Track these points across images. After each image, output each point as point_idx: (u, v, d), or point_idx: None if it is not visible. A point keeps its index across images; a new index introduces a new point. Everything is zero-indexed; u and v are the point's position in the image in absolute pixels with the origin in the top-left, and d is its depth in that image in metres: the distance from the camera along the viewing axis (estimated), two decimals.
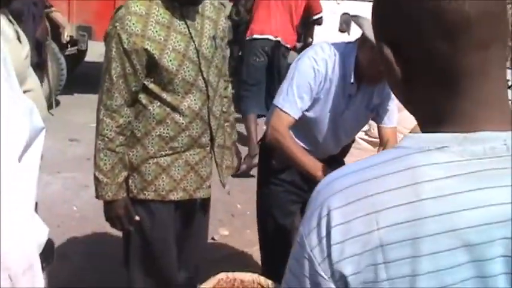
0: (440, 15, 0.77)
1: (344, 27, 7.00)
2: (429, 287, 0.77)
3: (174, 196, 2.47)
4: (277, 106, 2.57)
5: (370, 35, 2.37)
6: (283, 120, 2.56)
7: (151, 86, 2.32)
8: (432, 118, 0.83)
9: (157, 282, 2.59)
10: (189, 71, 2.32)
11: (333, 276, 0.80)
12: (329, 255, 0.80)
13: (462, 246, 0.76)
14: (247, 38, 6.40)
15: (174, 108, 2.35)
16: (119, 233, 3.91)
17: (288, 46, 6.60)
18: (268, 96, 6.93)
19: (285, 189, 2.87)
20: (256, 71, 6.47)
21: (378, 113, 2.74)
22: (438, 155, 0.79)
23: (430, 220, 0.77)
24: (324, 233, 0.81)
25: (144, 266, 2.57)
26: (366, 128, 4.42)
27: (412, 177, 0.79)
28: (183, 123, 2.38)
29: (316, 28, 7.01)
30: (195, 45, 2.33)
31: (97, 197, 2.41)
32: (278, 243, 2.95)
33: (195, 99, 2.37)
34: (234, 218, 4.59)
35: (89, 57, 8.27)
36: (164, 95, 2.33)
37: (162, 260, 2.56)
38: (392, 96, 2.72)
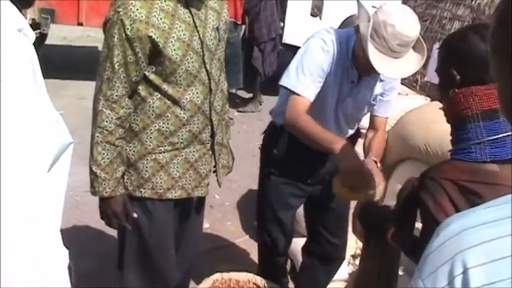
0: None
1: (316, 12, 6.91)
2: None
3: (171, 194, 2.34)
4: (290, 90, 2.50)
5: (362, 27, 2.32)
6: (300, 103, 2.48)
7: (152, 76, 2.18)
8: None
9: (154, 284, 2.46)
10: (192, 62, 2.19)
11: None
12: None
13: None
14: None
15: (175, 102, 2.22)
16: (95, 227, 3.78)
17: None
18: None
19: (286, 181, 2.77)
20: None
21: (377, 102, 2.69)
22: None
23: None
24: None
25: (140, 268, 2.43)
26: None
27: None
28: (184, 118, 2.24)
29: (288, 12, 6.90)
30: (199, 35, 2.20)
31: (93, 193, 2.25)
32: (276, 238, 2.86)
33: (197, 93, 2.24)
34: (213, 209, 4.47)
35: (49, 41, 7.95)
36: (165, 86, 2.19)
37: (160, 261, 2.43)
38: (394, 88, 2.66)
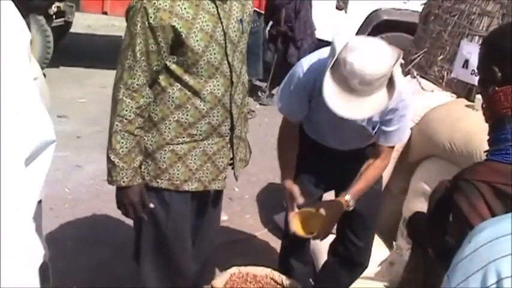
0: None
1: (341, 5, 6.82)
2: None
3: (188, 187, 2.32)
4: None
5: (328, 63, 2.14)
6: (285, 120, 2.65)
7: (173, 67, 2.16)
8: None
9: (170, 276, 2.45)
10: (215, 53, 2.16)
11: None
12: None
13: None
14: None
15: (196, 93, 2.19)
16: (114, 217, 3.78)
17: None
18: None
19: (306, 168, 2.72)
20: None
21: (377, 131, 2.54)
22: None
23: None
24: None
25: (156, 259, 2.42)
26: None
27: None
28: (203, 109, 2.22)
29: (314, 6, 6.83)
30: (223, 27, 2.17)
31: (110, 182, 2.24)
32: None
33: (218, 85, 2.21)
34: (232, 201, 4.45)
35: (74, 29, 8.00)
36: (186, 77, 2.17)
37: (176, 254, 2.41)
38: (393, 121, 2.48)
